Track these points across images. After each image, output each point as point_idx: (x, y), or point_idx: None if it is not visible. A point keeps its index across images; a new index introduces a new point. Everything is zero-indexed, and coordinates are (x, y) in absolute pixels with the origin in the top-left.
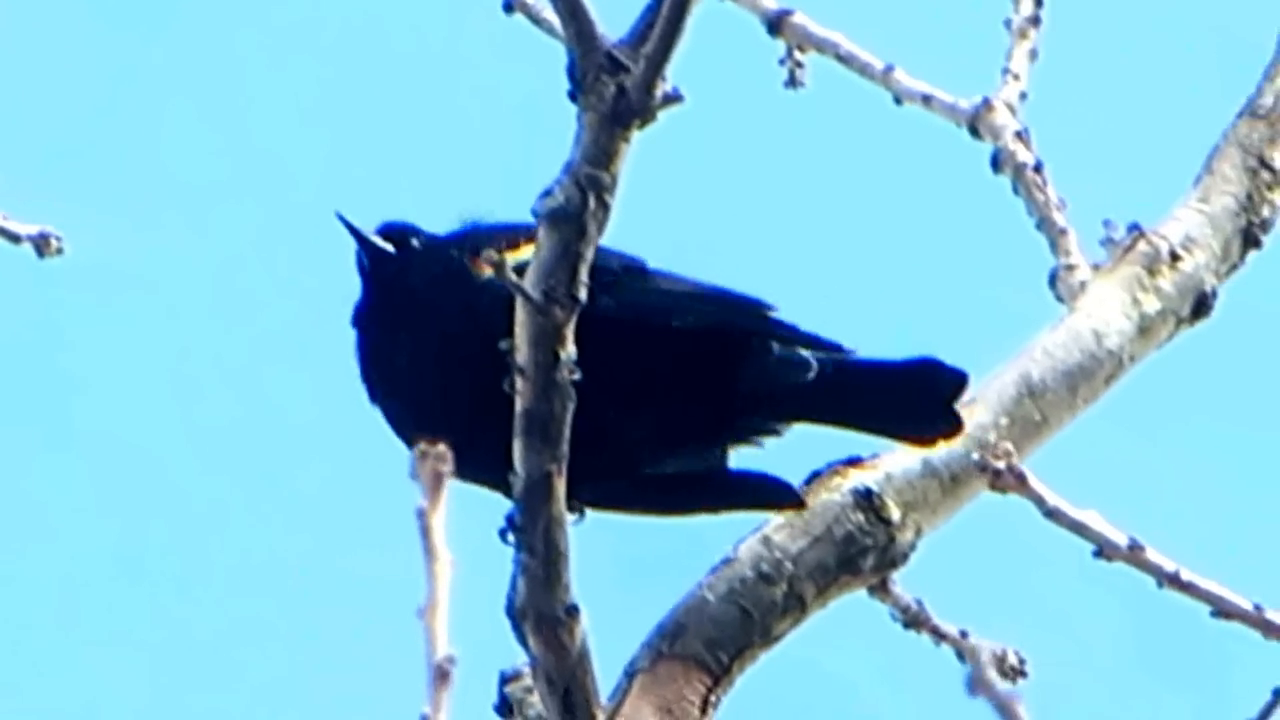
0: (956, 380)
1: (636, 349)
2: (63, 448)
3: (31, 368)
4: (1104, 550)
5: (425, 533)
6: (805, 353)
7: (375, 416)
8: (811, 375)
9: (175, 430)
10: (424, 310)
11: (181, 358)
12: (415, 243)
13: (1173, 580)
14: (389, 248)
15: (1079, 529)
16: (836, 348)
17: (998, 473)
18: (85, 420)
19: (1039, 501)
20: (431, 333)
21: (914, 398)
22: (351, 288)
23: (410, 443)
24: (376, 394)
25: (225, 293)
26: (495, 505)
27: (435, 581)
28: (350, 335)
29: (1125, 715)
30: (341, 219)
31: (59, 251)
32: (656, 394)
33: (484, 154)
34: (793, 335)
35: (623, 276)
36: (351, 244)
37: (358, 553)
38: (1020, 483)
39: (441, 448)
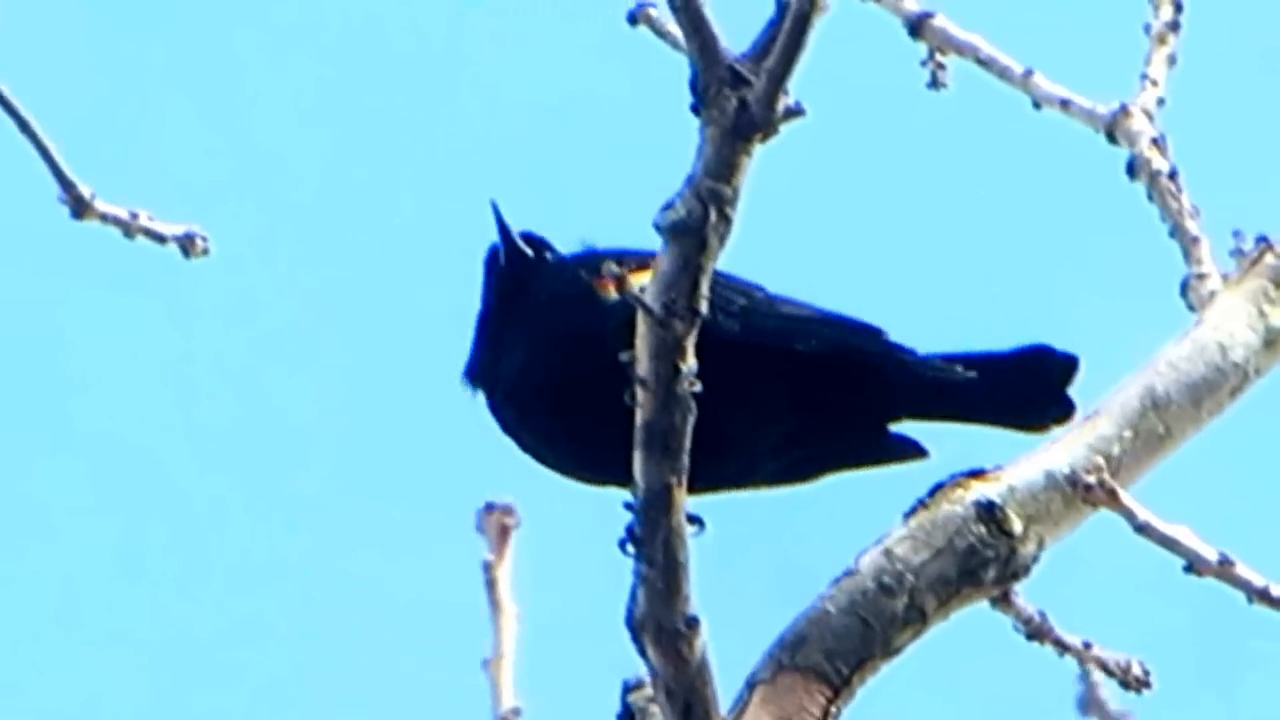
0: (1068, 365)
1: (760, 368)
2: (63, 448)
3: (32, 368)
4: (1194, 565)
5: (491, 585)
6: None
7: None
8: (927, 383)
9: (175, 430)
10: (549, 320)
11: (183, 358)
12: (549, 255)
13: (1263, 596)
14: (529, 252)
15: (1169, 544)
16: (950, 369)
17: (1089, 487)
18: (85, 420)
19: (1129, 516)
20: (555, 342)
21: (1028, 385)
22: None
23: (524, 447)
24: (493, 395)
25: (227, 292)
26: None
27: (501, 634)
28: (463, 330)
29: None
30: (495, 210)
31: (205, 253)
32: (779, 408)
33: (493, 158)
34: (911, 359)
35: (748, 304)
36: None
37: (358, 554)
38: (1111, 498)
39: (508, 502)
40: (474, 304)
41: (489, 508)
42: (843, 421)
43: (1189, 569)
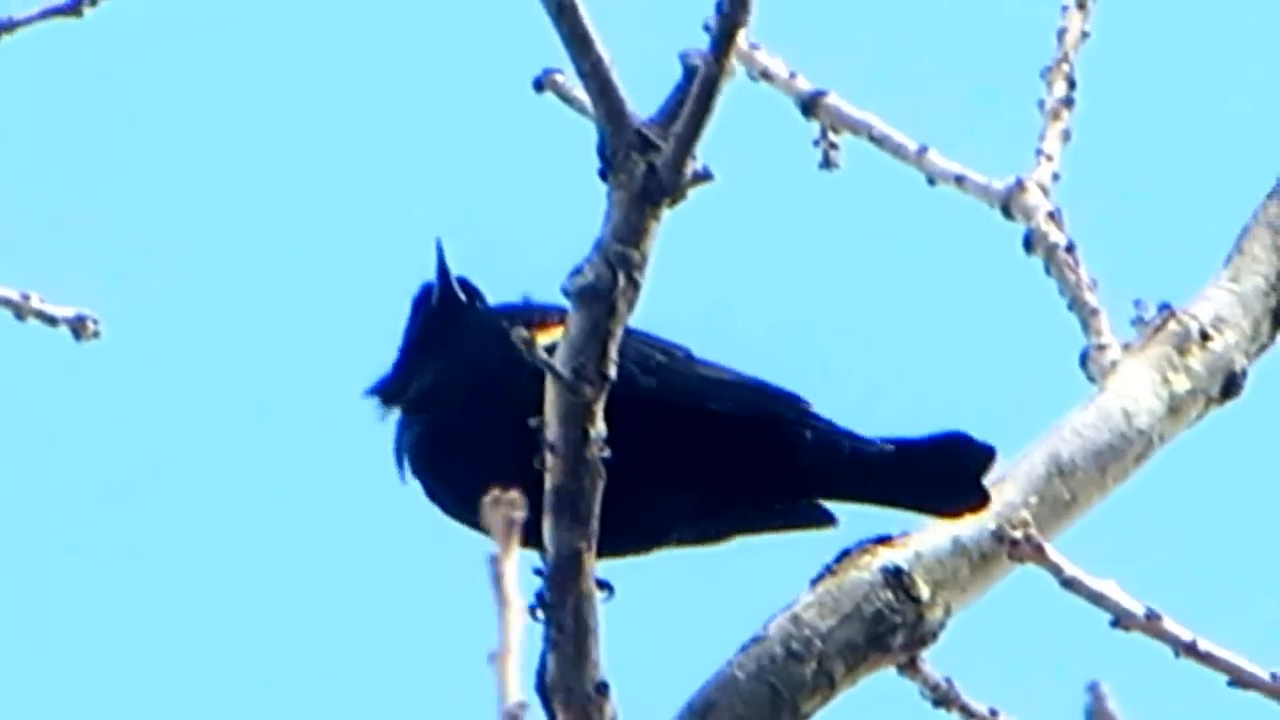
0: (985, 454)
1: (676, 430)
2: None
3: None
4: (1121, 620)
5: (497, 580)
6: (842, 427)
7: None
8: (845, 455)
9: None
10: (465, 376)
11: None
12: (478, 304)
13: (1190, 650)
14: (462, 296)
15: (1097, 599)
16: (869, 442)
17: (1015, 542)
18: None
19: (1056, 571)
20: (470, 403)
21: (944, 472)
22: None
23: (445, 509)
24: (410, 461)
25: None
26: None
27: (507, 628)
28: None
29: None
30: (439, 248)
31: (95, 335)
32: (694, 474)
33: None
34: (829, 429)
35: (667, 361)
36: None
37: (362, 548)
38: (1038, 553)
39: (514, 495)
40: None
41: (495, 501)
42: (757, 492)
43: (1116, 623)
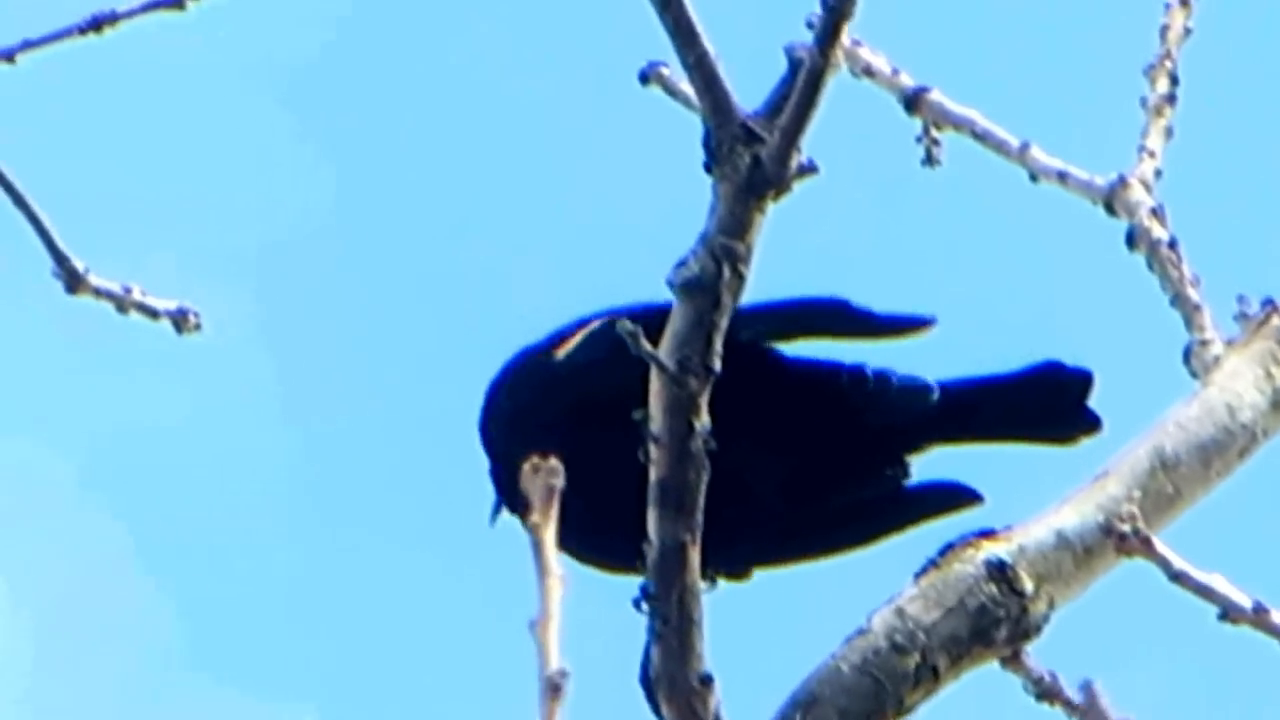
0: (1082, 379)
1: (758, 401)
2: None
3: None
4: (1229, 613)
5: (537, 547)
6: (925, 378)
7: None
8: (935, 397)
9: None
10: (566, 374)
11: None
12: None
13: None
14: None
15: (1204, 592)
16: (920, 321)
17: (1123, 536)
18: None
19: (1164, 564)
20: (571, 399)
21: (1043, 401)
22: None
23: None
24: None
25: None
26: None
27: (547, 596)
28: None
29: None
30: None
31: (197, 328)
32: (785, 446)
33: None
34: (869, 317)
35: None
36: None
37: (403, 514)
38: (1145, 546)
39: (553, 462)
40: None
41: (534, 468)
42: (853, 456)
43: (1223, 616)
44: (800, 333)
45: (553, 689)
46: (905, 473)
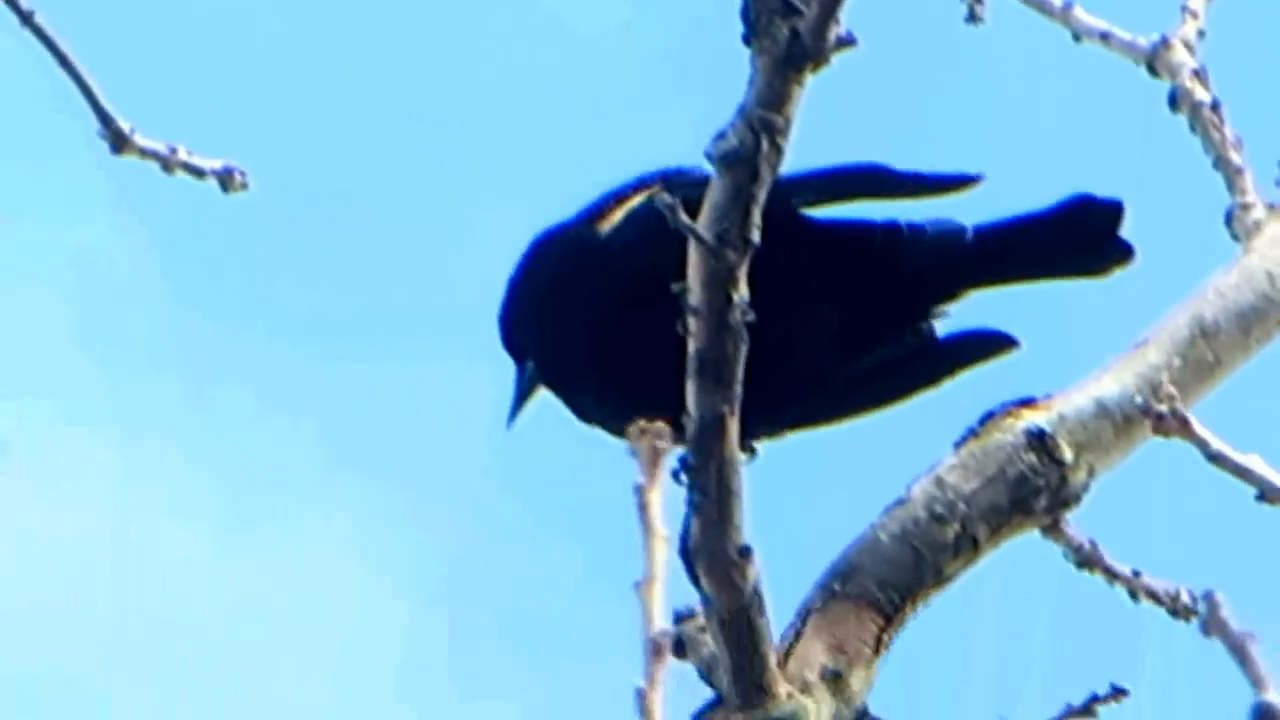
0: (1113, 209)
1: (796, 266)
2: None
3: None
4: (1266, 494)
5: (643, 509)
6: (959, 220)
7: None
8: (969, 237)
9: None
10: (604, 249)
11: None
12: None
13: None
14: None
15: (1242, 473)
16: (966, 178)
17: (1160, 416)
18: None
19: (1203, 446)
20: (610, 275)
21: (1076, 235)
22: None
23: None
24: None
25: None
26: None
27: (652, 556)
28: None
29: None
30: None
31: (244, 187)
32: (824, 303)
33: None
34: (912, 176)
35: None
36: None
37: (511, 476)
38: (1184, 427)
39: (660, 425)
40: None
41: (641, 431)
42: (892, 304)
43: (1261, 497)
44: (841, 197)
45: (656, 649)
46: (943, 317)
